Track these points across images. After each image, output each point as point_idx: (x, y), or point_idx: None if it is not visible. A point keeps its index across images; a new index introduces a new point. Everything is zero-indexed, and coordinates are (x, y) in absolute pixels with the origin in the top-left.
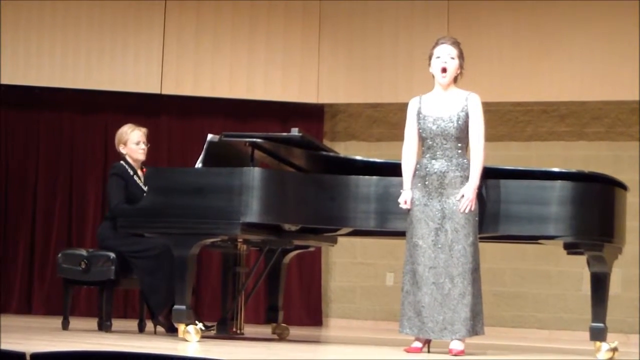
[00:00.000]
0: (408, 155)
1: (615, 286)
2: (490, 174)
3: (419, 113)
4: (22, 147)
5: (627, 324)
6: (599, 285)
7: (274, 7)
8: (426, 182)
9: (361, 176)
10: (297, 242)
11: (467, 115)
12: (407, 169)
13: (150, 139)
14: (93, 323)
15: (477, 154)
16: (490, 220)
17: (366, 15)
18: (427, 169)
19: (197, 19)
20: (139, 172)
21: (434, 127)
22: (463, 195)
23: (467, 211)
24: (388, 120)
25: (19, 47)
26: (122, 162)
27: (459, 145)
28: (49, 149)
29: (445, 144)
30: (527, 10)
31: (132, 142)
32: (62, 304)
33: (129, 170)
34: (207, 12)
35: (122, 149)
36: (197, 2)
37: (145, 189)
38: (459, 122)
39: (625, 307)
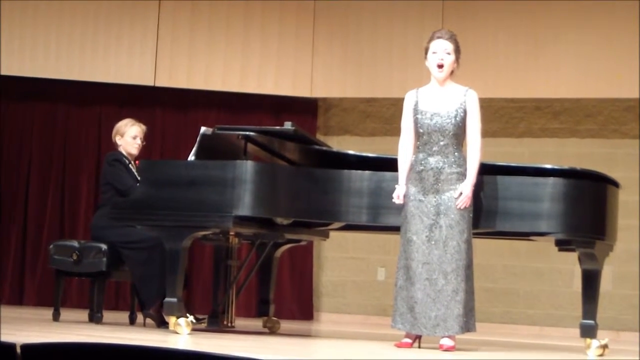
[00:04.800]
0: (404, 150)
1: (606, 283)
2: (482, 169)
3: (415, 108)
4: (16, 138)
5: (617, 321)
6: (590, 282)
7: (269, 0)
8: (422, 178)
9: (354, 171)
10: (289, 236)
11: (464, 112)
12: (403, 164)
13: (145, 132)
14: (84, 314)
15: (475, 150)
16: (482, 216)
17: (361, 10)
18: (423, 165)
19: (192, 12)
20: (133, 163)
21: (431, 123)
22: (461, 193)
23: (463, 208)
24: (382, 114)
25: (14, 38)
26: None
27: (456, 141)
28: (42, 141)
29: (442, 140)
30: (522, 6)
31: (129, 135)
32: (53, 295)
33: (125, 159)
34: (201, 5)
35: (118, 140)
36: None
37: (140, 178)
38: (457, 119)
39: (616, 304)
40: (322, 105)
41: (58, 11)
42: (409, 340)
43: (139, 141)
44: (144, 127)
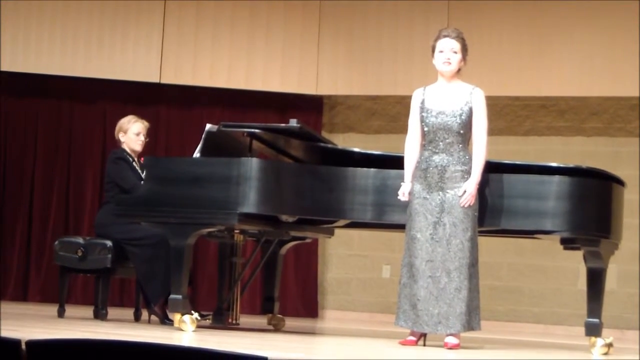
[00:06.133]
0: (411, 147)
1: (611, 282)
2: (488, 168)
3: (422, 105)
4: (21, 134)
5: (622, 319)
6: (595, 280)
7: None
8: (427, 176)
9: (359, 168)
10: (294, 233)
11: (470, 110)
12: (409, 161)
13: (149, 129)
14: (89, 311)
15: (480, 149)
16: (487, 214)
17: (366, 8)
18: (428, 163)
19: (197, 9)
20: (137, 160)
21: (437, 121)
22: (465, 191)
23: (467, 206)
24: (387, 112)
25: (19, 34)
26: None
27: (461, 139)
28: (47, 137)
29: (447, 138)
30: (527, 5)
31: (132, 132)
32: (58, 291)
33: (128, 157)
34: (207, 2)
35: (122, 137)
36: None
37: (144, 176)
38: (462, 117)
39: (621, 302)
40: (328, 102)
41: (63, 8)
42: (413, 338)
43: (142, 138)
44: (146, 123)
